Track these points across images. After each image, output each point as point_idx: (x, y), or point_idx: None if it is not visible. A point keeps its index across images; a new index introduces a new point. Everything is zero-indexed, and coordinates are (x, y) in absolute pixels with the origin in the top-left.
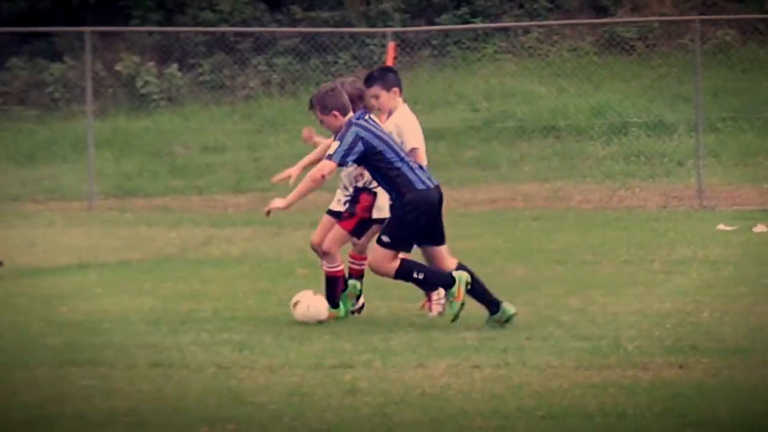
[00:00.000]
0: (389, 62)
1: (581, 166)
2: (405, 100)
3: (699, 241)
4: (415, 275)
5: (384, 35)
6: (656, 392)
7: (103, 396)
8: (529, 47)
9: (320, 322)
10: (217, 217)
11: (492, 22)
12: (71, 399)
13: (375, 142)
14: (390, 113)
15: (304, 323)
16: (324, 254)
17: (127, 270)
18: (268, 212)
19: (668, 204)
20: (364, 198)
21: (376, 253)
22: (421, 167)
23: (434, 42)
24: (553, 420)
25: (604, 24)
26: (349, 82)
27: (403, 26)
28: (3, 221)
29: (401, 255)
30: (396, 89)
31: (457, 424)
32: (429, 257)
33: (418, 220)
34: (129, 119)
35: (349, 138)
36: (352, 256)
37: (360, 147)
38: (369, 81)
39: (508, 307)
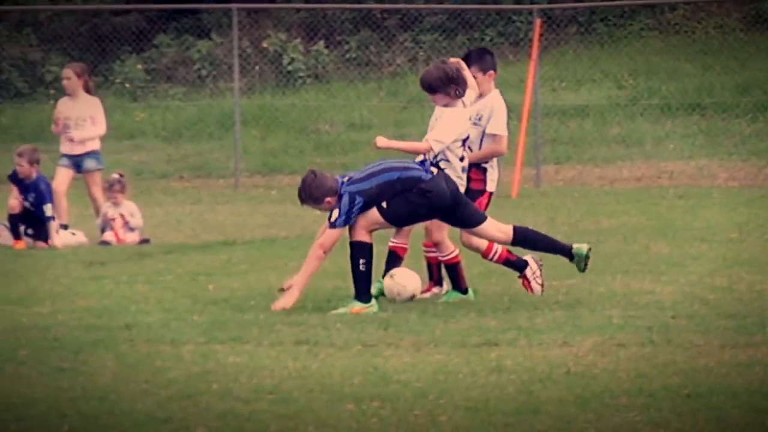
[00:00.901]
0: (535, 39)
1: (726, 143)
2: (496, 85)
3: None
4: (360, 262)
5: (530, 12)
6: None
7: (248, 373)
8: (675, 24)
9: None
10: None
11: None
12: (217, 376)
13: (367, 185)
14: (481, 95)
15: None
16: (435, 245)
17: (273, 247)
18: (281, 289)
19: None
20: (474, 174)
21: (365, 215)
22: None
23: (580, 19)
24: (698, 398)
25: (751, 1)
26: (452, 62)
27: (550, 3)
28: (150, 198)
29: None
30: (492, 72)
31: (602, 402)
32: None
33: (422, 209)
34: (275, 96)
35: (345, 202)
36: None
37: (359, 201)
38: (468, 61)
39: (579, 247)
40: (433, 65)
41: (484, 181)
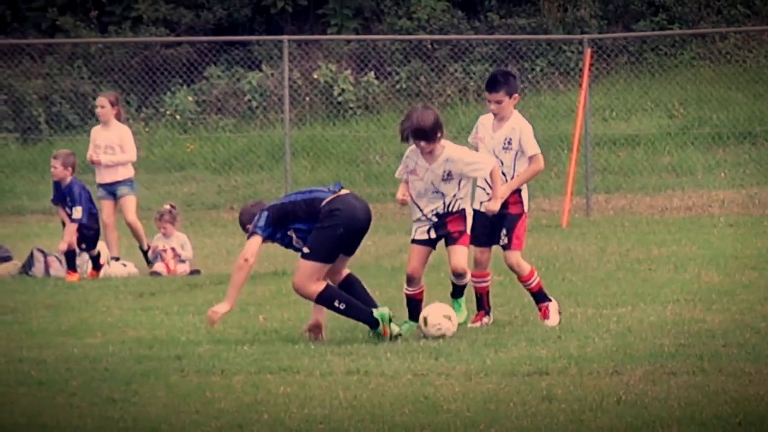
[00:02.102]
0: (586, 69)
1: None
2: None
3: None
4: (336, 304)
5: (581, 42)
6: None
7: (299, 403)
8: (726, 53)
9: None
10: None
11: (689, 28)
12: (268, 406)
13: (276, 202)
14: (502, 118)
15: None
16: (464, 274)
17: None
18: (213, 323)
19: None
20: (513, 198)
21: (298, 270)
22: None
23: (631, 48)
24: (750, 427)
25: None
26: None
27: (600, 33)
28: (200, 229)
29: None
30: (516, 96)
31: (654, 431)
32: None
33: (338, 230)
34: (325, 127)
35: (256, 217)
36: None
37: (264, 214)
38: (495, 86)
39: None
40: (421, 111)
41: (522, 203)
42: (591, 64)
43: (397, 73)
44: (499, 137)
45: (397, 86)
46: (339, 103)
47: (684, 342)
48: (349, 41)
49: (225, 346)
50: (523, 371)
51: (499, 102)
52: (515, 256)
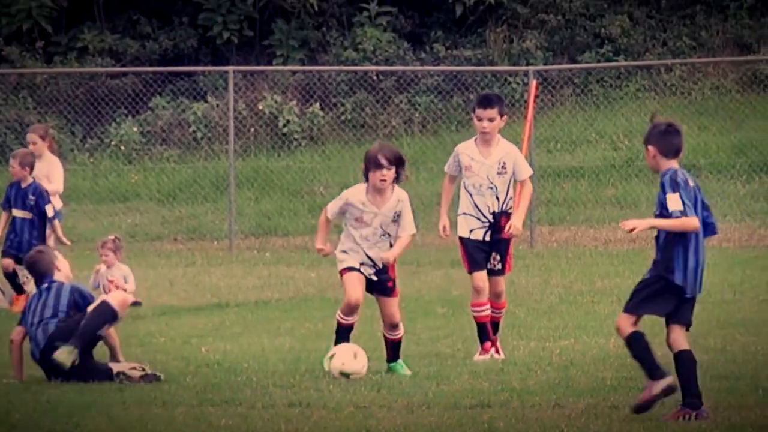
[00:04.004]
0: (531, 100)
1: (721, 204)
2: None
3: None
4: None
5: (526, 73)
6: None
7: None
8: (672, 85)
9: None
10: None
11: (634, 60)
12: None
13: None
14: (489, 142)
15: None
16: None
17: (267, 309)
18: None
19: None
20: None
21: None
22: None
23: (576, 80)
24: None
25: (748, 62)
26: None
27: (546, 64)
28: (143, 261)
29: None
30: (505, 117)
31: None
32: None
33: None
34: (270, 158)
35: None
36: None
37: None
38: (488, 102)
39: None
40: (382, 144)
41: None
42: (536, 96)
43: (343, 104)
44: (492, 162)
45: (342, 117)
46: (284, 134)
47: (626, 375)
48: (294, 72)
49: (167, 378)
50: (465, 404)
51: (491, 120)
52: (503, 282)
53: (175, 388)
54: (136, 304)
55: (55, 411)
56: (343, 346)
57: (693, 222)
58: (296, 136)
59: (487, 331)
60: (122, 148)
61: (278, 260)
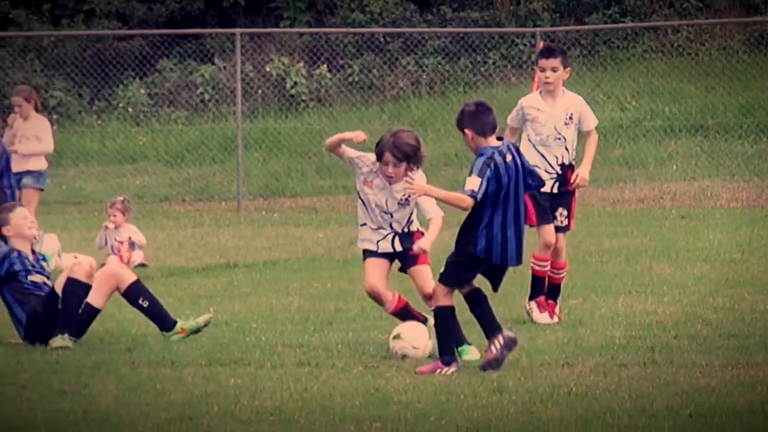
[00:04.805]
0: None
1: (729, 164)
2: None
3: None
4: (140, 301)
5: (533, 35)
6: None
7: (249, 395)
8: (679, 46)
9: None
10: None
11: (641, 21)
12: (218, 398)
13: None
14: (553, 92)
15: None
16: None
17: (275, 270)
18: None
19: None
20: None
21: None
22: None
23: (583, 41)
24: (700, 418)
25: (754, 22)
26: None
27: (553, 26)
28: (152, 222)
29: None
30: (569, 69)
31: (604, 422)
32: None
33: None
34: (278, 120)
35: None
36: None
37: None
38: (551, 53)
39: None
40: (404, 134)
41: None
42: None
43: (350, 66)
44: (559, 113)
45: (350, 79)
46: (291, 96)
47: (635, 334)
48: (301, 34)
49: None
50: (474, 363)
51: (554, 69)
52: (564, 240)
53: (184, 349)
54: (142, 265)
55: (64, 371)
56: (409, 325)
57: (466, 202)
58: (304, 97)
59: (543, 285)
60: (130, 110)
61: (286, 221)
